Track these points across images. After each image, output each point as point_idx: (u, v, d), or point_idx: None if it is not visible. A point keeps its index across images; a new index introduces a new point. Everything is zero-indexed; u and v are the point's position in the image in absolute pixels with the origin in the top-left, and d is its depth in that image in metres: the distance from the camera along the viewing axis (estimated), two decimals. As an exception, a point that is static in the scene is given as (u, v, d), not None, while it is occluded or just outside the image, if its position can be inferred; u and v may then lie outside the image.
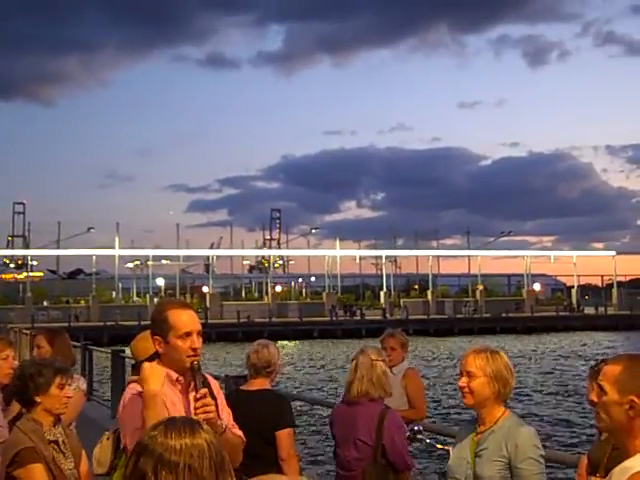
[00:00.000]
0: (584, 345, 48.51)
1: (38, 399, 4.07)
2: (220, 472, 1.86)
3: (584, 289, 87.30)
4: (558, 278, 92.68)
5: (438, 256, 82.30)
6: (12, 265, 74.68)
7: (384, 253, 79.93)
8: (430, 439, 4.99)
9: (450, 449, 4.10)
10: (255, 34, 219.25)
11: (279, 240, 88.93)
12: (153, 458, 1.83)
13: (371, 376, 4.88)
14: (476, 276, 79.42)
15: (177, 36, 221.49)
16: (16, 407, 4.57)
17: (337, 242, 78.91)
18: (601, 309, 72.94)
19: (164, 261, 79.68)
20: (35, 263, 76.23)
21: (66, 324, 46.61)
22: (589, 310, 73.99)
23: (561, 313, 71.62)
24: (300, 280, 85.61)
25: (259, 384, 5.20)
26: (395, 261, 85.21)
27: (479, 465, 3.64)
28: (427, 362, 36.54)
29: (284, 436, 4.99)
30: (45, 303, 66.84)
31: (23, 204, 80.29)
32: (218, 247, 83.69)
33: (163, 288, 77.17)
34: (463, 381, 3.72)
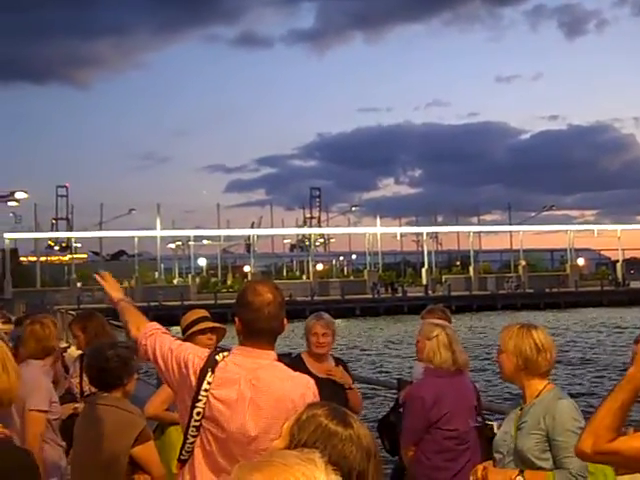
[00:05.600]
0: (629, 320, 47.88)
1: (126, 381, 4.19)
2: (370, 461, 1.91)
3: (629, 263, 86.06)
4: (602, 252, 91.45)
5: (479, 232, 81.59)
6: (57, 248, 75.77)
7: (425, 230, 79.46)
8: None
9: (494, 424, 4.13)
10: (287, 12, 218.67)
11: (319, 218, 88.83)
12: (314, 435, 1.91)
13: (460, 347, 4.99)
14: (518, 251, 78.68)
15: (209, 16, 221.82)
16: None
17: (377, 219, 78.67)
18: (647, 283, 71.87)
19: (205, 241, 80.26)
20: (79, 245, 77.35)
21: (110, 305, 47.08)
22: (635, 284, 72.95)
23: (606, 288, 70.63)
24: (341, 258, 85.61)
25: None
26: (436, 238, 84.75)
27: (519, 438, 3.66)
28: (470, 338, 36.32)
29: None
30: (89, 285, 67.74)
31: (66, 187, 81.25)
32: (258, 226, 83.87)
33: (205, 268, 77.72)
34: (496, 356, 3.88)
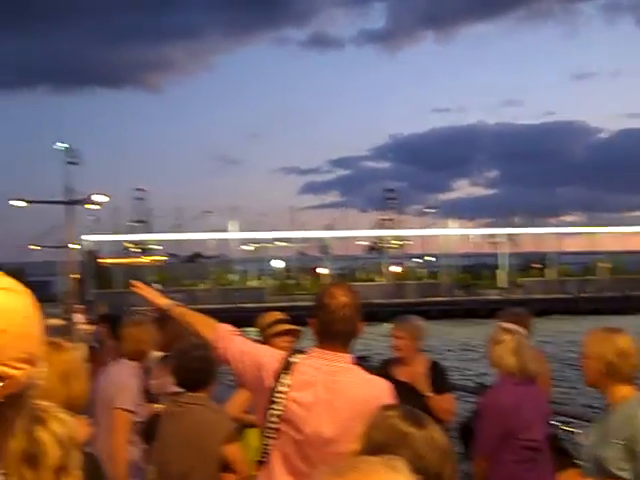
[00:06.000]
0: None
1: (211, 382, 4.28)
2: (447, 462, 1.92)
3: None
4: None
5: (558, 233, 79.98)
6: (135, 250, 77.29)
7: (501, 231, 78.31)
8: None
9: (579, 433, 4.04)
10: (357, 12, 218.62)
11: (394, 220, 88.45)
12: (388, 436, 1.92)
13: (532, 354, 4.83)
14: (600, 253, 76.81)
15: (280, 18, 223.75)
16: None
17: (452, 221, 77.90)
18: None
19: (280, 243, 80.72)
20: (157, 248, 78.70)
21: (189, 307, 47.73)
22: None
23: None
24: (417, 260, 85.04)
25: None
26: (512, 239, 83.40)
27: (600, 447, 3.55)
28: (550, 343, 35.60)
29: None
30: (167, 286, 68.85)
31: (144, 190, 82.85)
32: (333, 228, 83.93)
33: (280, 270, 78.16)
34: (580, 361, 3.78)
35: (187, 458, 4.11)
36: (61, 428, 1.94)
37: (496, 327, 5.00)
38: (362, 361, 6.19)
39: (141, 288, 3.90)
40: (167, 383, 5.81)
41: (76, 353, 2.84)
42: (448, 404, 5.54)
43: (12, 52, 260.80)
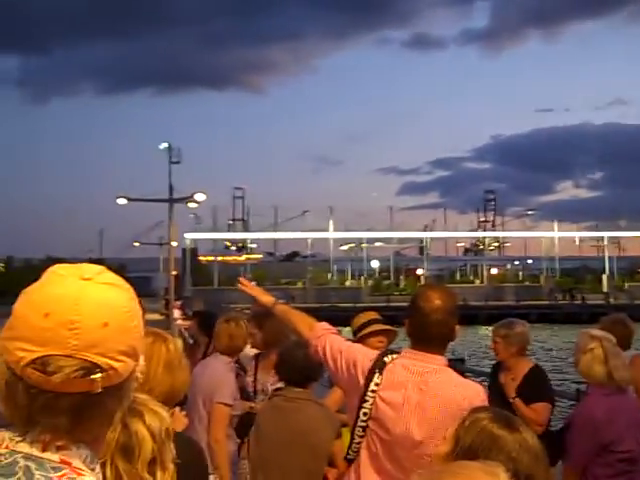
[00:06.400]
0: None
1: (316, 379, 4.35)
2: (539, 464, 1.91)
3: None
4: None
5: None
6: (233, 248, 78.64)
7: (606, 234, 76.18)
8: None
9: None
10: (459, 12, 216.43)
11: (494, 222, 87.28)
12: (478, 438, 1.91)
13: (622, 362, 4.55)
14: None
15: (381, 19, 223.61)
16: None
17: (555, 224, 76.28)
18: None
19: (377, 243, 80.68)
20: (254, 246, 79.88)
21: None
22: None
23: None
24: (516, 263, 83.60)
25: None
26: (618, 243, 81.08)
27: None
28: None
29: None
30: (263, 285, 69.69)
31: (242, 189, 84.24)
32: (432, 229, 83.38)
33: (377, 270, 78.12)
34: None
35: (295, 453, 4.16)
36: (157, 421, 1.97)
37: (583, 334, 4.70)
38: (459, 364, 6.11)
39: (245, 285, 3.98)
40: (265, 380, 5.87)
41: (179, 344, 2.89)
42: (535, 414, 5.31)
43: (118, 56, 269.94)
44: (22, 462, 1.20)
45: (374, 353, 3.36)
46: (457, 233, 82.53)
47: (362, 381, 3.20)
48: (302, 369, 4.37)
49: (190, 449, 2.62)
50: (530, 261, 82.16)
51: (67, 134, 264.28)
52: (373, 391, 3.16)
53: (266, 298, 3.88)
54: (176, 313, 31.35)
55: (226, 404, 5.02)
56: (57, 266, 1.30)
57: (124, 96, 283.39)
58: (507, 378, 5.46)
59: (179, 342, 2.88)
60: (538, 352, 34.99)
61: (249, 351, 6.22)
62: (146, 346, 2.71)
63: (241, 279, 4.00)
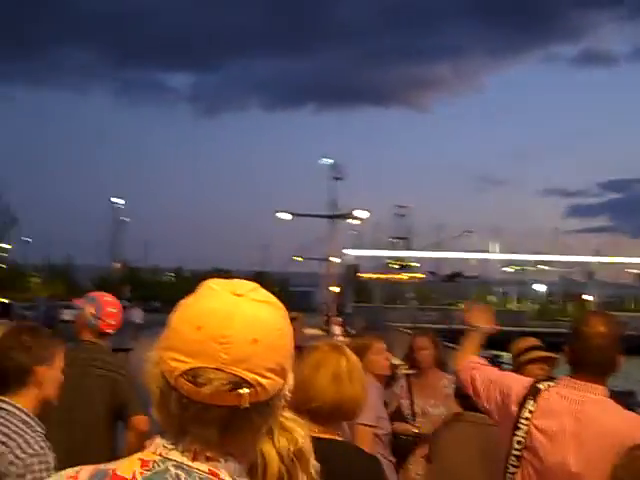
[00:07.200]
0: None
1: None
2: None
3: None
4: None
5: None
6: (395, 266, 78.64)
7: None
8: None
9: None
10: (632, 27, 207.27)
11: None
12: (636, 476, 1.86)
13: None
14: None
15: (549, 35, 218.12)
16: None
17: None
18: None
19: (542, 267, 78.45)
20: (416, 265, 79.57)
21: (445, 326, 47.70)
22: None
23: None
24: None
25: None
26: None
27: None
28: None
29: None
30: (425, 304, 69.24)
31: (406, 207, 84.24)
32: (601, 254, 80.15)
33: (544, 295, 75.97)
34: None
35: (477, 477, 4.08)
36: (285, 441, 1.91)
37: None
38: (627, 397, 5.72)
39: (470, 308, 3.87)
40: (424, 402, 5.76)
41: (355, 360, 2.84)
42: None
43: (283, 72, 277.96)
44: (173, 470, 1.24)
45: (528, 380, 3.25)
46: (629, 259, 78.72)
47: (515, 408, 3.10)
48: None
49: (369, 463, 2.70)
50: None
51: (235, 148, 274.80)
52: (527, 419, 3.04)
53: (475, 321, 3.77)
54: (337, 330, 31.58)
55: (365, 424, 4.94)
56: (211, 280, 1.33)
57: (288, 111, 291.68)
58: None
59: (355, 358, 2.84)
60: None
61: (402, 370, 6.15)
62: (318, 354, 2.77)
63: (466, 302, 3.94)
